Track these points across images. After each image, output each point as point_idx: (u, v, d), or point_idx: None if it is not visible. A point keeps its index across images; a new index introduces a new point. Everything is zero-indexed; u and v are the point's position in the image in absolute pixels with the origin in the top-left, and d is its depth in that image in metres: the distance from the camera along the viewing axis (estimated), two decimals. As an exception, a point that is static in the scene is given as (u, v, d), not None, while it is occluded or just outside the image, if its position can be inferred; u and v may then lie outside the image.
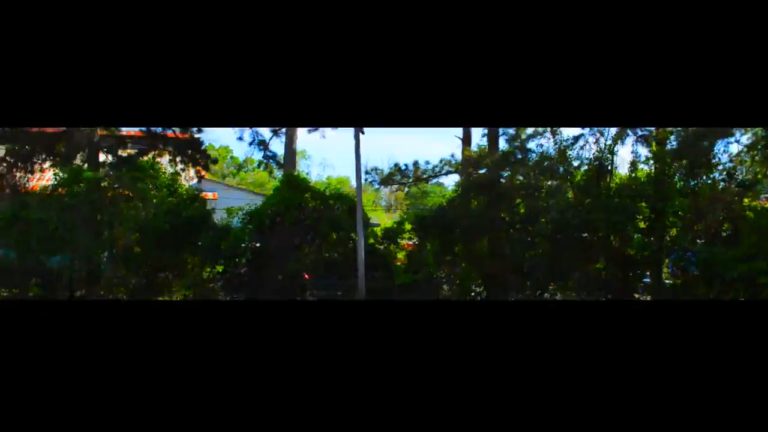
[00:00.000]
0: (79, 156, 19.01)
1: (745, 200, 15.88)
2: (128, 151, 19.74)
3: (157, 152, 19.82)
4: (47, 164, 20.02)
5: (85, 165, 18.68)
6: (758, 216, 15.32)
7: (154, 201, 17.45)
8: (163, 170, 18.77)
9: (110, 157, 19.22)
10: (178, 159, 20.10)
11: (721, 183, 16.31)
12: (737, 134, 16.05)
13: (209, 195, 16.96)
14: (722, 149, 16.38)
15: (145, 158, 19.31)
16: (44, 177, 20.28)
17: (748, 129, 15.76)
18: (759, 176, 16.30)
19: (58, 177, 17.85)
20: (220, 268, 17.49)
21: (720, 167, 16.44)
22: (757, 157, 16.19)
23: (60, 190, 17.43)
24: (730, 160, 16.45)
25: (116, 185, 17.74)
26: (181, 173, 19.80)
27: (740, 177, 16.33)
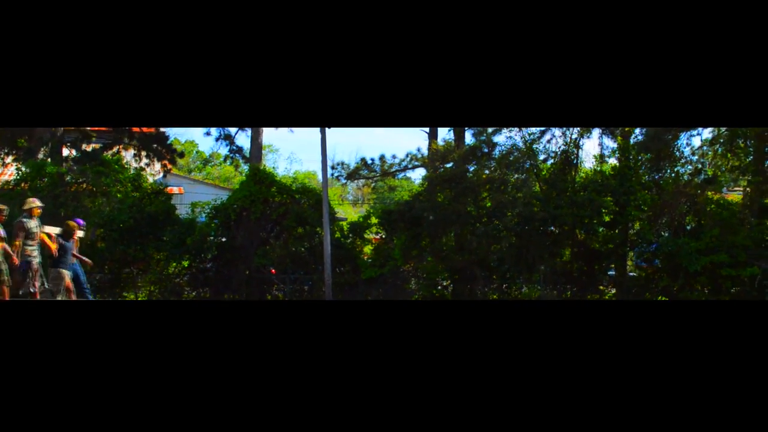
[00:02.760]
0: (42, 150, 18.76)
1: (708, 193, 16.05)
2: (92, 145, 19.50)
3: (121, 147, 19.60)
4: (9, 159, 19.76)
5: (49, 159, 18.44)
6: (720, 209, 15.50)
7: (119, 196, 17.30)
8: (128, 165, 18.59)
9: (74, 152, 18.97)
10: (143, 154, 19.91)
11: (685, 176, 16.48)
12: (699, 128, 16.17)
13: (174, 190, 16.84)
14: (685, 142, 16.56)
15: (110, 153, 19.09)
16: (6, 172, 20.02)
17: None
18: (721, 169, 16.46)
19: (20, 172, 17.64)
20: (185, 263, 17.38)
21: (683, 161, 16.62)
22: (719, 151, 16.34)
23: (23, 185, 17.22)
24: (693, 154, 16.62)
25: (80, 180, 17.57)
26: (146, 168, 19.61)
27: (703, 170, 16.49)
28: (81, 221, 13.84)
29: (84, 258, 13.23)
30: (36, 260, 12.12)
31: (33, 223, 12.12)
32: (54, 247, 12.05)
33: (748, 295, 14.43)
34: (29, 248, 11.97)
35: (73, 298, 12.37)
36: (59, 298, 11.97)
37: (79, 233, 12.96)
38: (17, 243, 11.71)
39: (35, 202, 12.20)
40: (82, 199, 17.20)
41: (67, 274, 12.19)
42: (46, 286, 12.45)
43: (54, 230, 12.25)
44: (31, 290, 12.03)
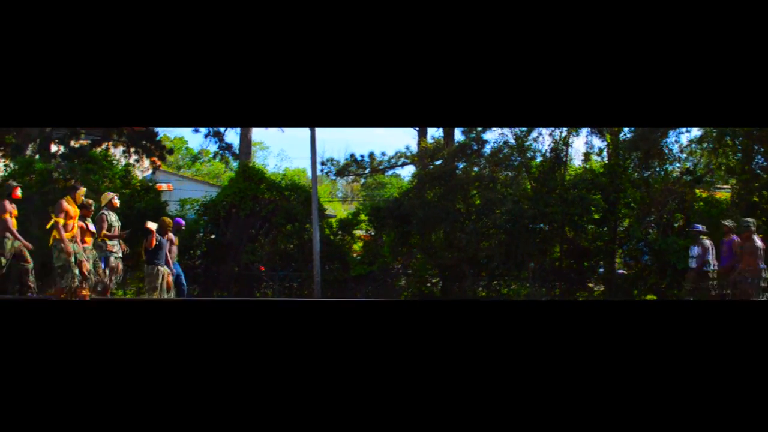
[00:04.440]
0: (30, 147, 18.69)
1: (697, 191, 16.11)
2: (81, 142, 19.44)
3: (110, 143, 19.54)
4: (-3, 155, 19.74)
5: (37, 156, 18.37)
6: (709, 207, 15.55)
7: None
8: (116, 161, 18.54)
9: (63, 148, 18.91)
10: (132, 150, 19.86)
11: (674, 174, 16.54)
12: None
13: (164, 186, 16.79)
14: (674, 141, 16.60)
15: (99, 149, 19.03)
16: (-6, 168, 19.97)
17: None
18: (709, 168, 16.52)
19: (8, 168, 17.57)
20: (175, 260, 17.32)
21: (672, 159, 16.68)
22: (707, 149, 16.40)
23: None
24: (681, 152, 16.68)
25: (69, 177, 17.47)
26: (135, 164, 19.56)
27: (692, 168, 16.55)
28: (181, 221, 13.85)
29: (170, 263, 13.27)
30: (115, 256, 12.10)
31: (113, 217, 12.14)
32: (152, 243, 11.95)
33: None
34: (110, 243, 11.96)
35: (172, 296, 12.36)
36: (156, 296, 11.89)
37: (170, 235, 13.00)
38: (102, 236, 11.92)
39: (111, 195, 12.22)
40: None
41: (163, 271, 12.08)
42: (119, 279, 12.40)
43: (152, 225, 12.22)
44: (107, 285, 12.01)
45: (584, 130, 17.15)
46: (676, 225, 15.86)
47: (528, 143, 17.22)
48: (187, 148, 48.81)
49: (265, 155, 54.45)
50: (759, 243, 11.78)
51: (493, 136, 17.33)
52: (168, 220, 12.55)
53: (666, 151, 16.59)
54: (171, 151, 22.67)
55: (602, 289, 16.58)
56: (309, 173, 18.82)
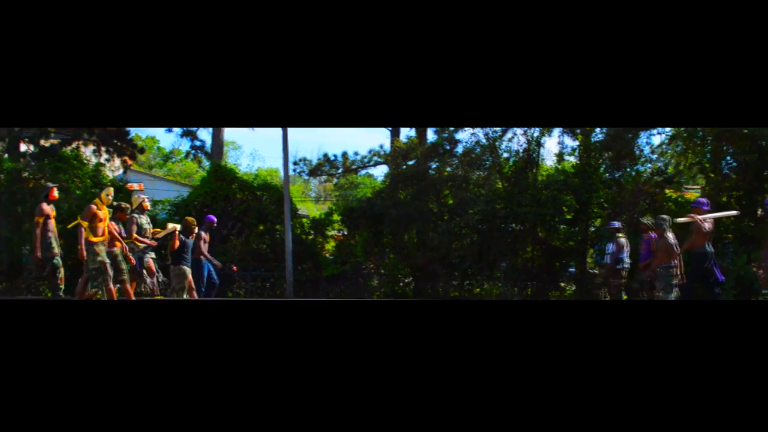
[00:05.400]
0: (-1, 146, 18.50)
1: (667, 191, 16.23)
2: (51, 141, 19.23)
3: (81, 142, 19.35)
4: (-35, 155, 19.46)
5: (6, 155, 18.15)
6: (679, 207, 15.65)
7: (78, 192, 17.06)
8: (87, 160, 18.36)
9: (32, 147, 18.70)
10: (103, 149, 19.67)
11: (645, 174, 16.65)
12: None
13: (135, 186, 16.57)
14: (645, 141, 16.74)
15: (69, 148, 18.84)
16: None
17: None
18: (680, 168, 16.65)
19: (-23, 168, 17.38)
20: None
21: (643, 159, 16.81)
22: (677, 150, 16.54)
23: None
24: (652, 152, 16.81)
25: (38, 176, 17.31)
26: (106, 164, 19.39)
27: (663, 169, 16.68)
28: (213, 217, 13.76)
29: (213, 260, 13.42)
30: (148, 256, 12.03)
31: (144, 219, 12.09)
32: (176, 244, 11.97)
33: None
34: (141, 244, 11.91)
35: (194, 296, 12.30)
36: (185, 297, 11.89)
37: (199, 232, 13.09)
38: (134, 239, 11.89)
39: (141, 198, 12.18)
40: (40, 196, 16.91)
41: (189, 271, 12.02)
42: (160, 279, 12.32)
43: (176, 226, 12.17)
44: (150, 286, 11.94)
45: (556, 131, 17.24)
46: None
47: (500, 143, 17.28)
48: (158, 147, 48.53)
49: (237, 155, 54.34)
50: (673, 241, 11.86)
51: (465, 136, 17.39)
52: (191, 219, 12.51)
53: (637, 152, 16.71)
54: (142, 150, 22.49)
55: (574, 288, 16.65)
56: (281, 173, 18.74)
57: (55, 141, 19.12)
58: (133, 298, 11.40)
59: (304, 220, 18.80)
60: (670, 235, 11.94)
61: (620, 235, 13.34)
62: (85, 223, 10.65)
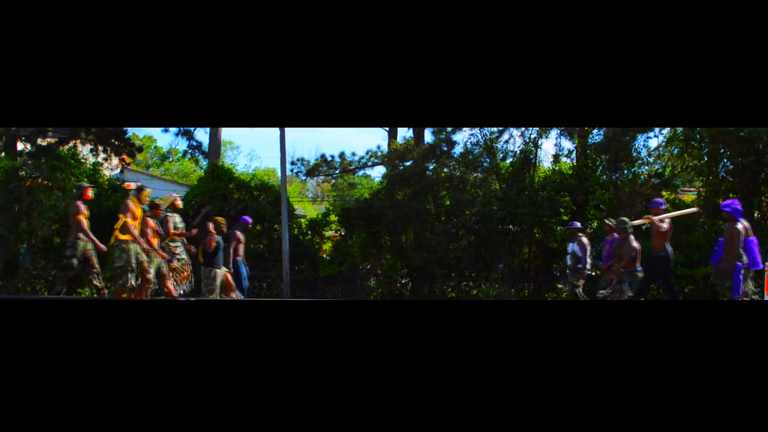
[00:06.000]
0: (-5, 144, 18.50)
1: (664, 193, 16.25)
2: (48, 140, 19.23)
3: (78, 141, 19.35)
4: (-37, 153, 19.46)
5: (3, 154, 18.15)
6: (677, 209, 15.68)
7: (74, 191, 17.02)
8: (85, 159, 18.36)
9: (29, 146, 18.69)
10: (100, 148, 19.66)
11: (642, 177, 16.69)
12: (656, 129, 16.42)
13: (132, 185, 16.57)
14: (642, 143, 16.77)
15: (66, 147, 18.84)
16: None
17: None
18: (676, 171, 16.69)
19: (-25, 167, 17.37)
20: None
21: (640, 162, 16.84)
22: (674, 152, 16.58)
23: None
24: (649, 155, 16.85)
25: (35, 175, 17.32)
26: (104, 163, 19.39)
27: (660, 171, 16.72)
28: (248, 219, 13.75)
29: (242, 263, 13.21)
30: (177, 258, 11.98)
31: (178, 218, 12.04)
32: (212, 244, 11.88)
33: (702, 294, 14.63)
34: (173, 244, 11.86)
35: (233, 297, 12.34)
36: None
37: (234, 232, 13.07)
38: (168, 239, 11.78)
39: (174, 197, 12.16)
40: (38, 194, 16.95)
41: (220, 273, 11.95)
42: (185, 283, 12.25)
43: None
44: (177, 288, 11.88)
45: (554, 133, 17.27)
46: (644, 228, 15.98)
47: (497, 144, 17.31)
48: (156, 147, 48.51)
49: (234, 155, 54.29)
50: (634, 244, 11.89)
51: (462, 137, 17.42)
52: (221, 219, 12.46)
53: (634, 154, 16.74)
54: (141, 149, 22.49)
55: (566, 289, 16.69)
56: (279, 173, 18.74)
57: (52, 140, 19.11)
58: (174, 295, 11.40)
59: (302, 220, 18.80)
60: (632, 238, 11.99)
61: (582, 235, 13.38)
62: (129, 220, 10.63)
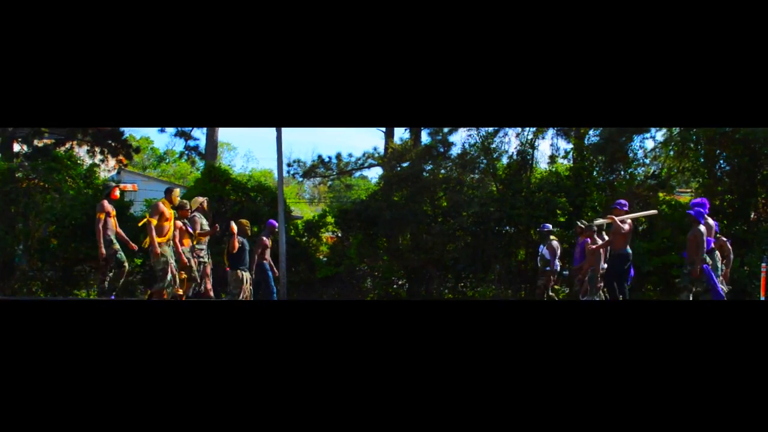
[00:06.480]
0: (-8, 146, 18.49)
1: (660, 195, 16.29)
2: (44, 141, 19.22)
3: (74, 143, 19.34)
4: (-41, 155, 19.43)
5: (-1, 155, 18.17)
6: (672, 210, 15.72)
7: (71, 192, 17.04)
8: (81, 161, 18.35)
9: (25, 148, 18.68)
10: (97, 150, 19.65)
11: (638, 178, 16.73)
12: (652, 130, 16.46)
13: (128, 186, 16.59)
14: (639, 144, 16.82)
15: (62, 149, 18.82)
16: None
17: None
18: (672, 172, 16.72)
19: (-29, 169, 17.34)
20: (138, 261, 17.13)
21: (636, 162, 16.88)
22: (671, 153, 16.62)
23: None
24: (645, 156, 16.88)
25: (31, 176, 17.29)
26: (100, 164, 19.37)
27: (656, 172, 16.75)
28: (275, 222, 13.73)
29: (273, 268, 13.30)
30: (201, 260, 11.95)
31: (204, 220, 12.03)
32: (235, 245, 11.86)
33: (699, 295, 14.62)
34: (197, 247, 11.84)
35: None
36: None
37: (261, 237, 13.12)
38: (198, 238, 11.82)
39: (201, 199, 12.17)
40: (34, 196, 16.91)
41: (246, 277, 11.95)
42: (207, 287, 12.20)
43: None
44: (202, 289, 11.85)
45: (550, 133, 17.29)
46: (640, 228, 16.01)
47: (494, 145, 17.33)
48: (152, 148, 48.46)
49: (231, 156, 54.29)
50: (599, 243, 11.98)
51: (459, 137, 17.47)
52: (245, 222, 12.45)
53: (631, 155, 16.77)
54: (138, 150, 22.46)
55: (567, 291, 16.69)
56: (275, 174, 18.73)
57: (48, 141, 19.10)
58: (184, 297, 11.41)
59: (298, 221, 18.80)
60: (599, 239, 12.07)
61: (553, 238, 13.43)
62: (154, 221, 10.60)
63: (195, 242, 11.68)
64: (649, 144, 29.67)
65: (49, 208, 16.84)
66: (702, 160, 16.18)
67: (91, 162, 19.00)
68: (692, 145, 16.16)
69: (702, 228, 10.64)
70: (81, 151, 19.53)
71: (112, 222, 11.70)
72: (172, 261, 10.64)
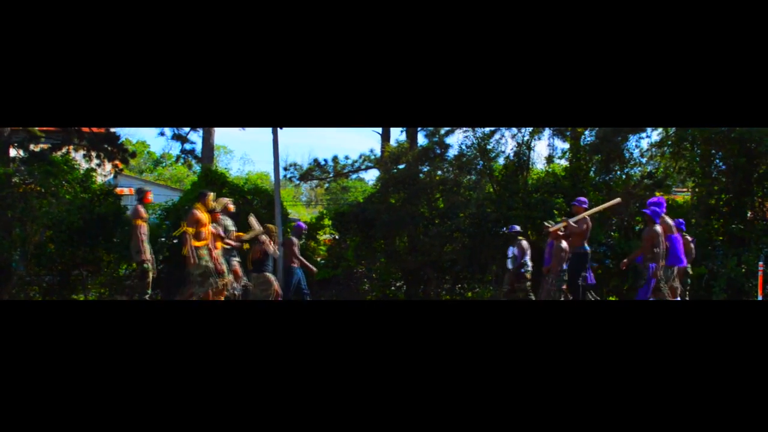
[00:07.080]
0: (-12, 151, 18.42)
1: (657, 194, 16.27)
2: (41, 146, 19.16)
3: (71, 147, 19.28)
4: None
5: (-5, 160, 18.11)
6: (670, 210, 15.71)
7: (68, 197, 16.99)
8: (78, 165, 18.30)
9: (22, 152, 18.63)
10: (93, 154, 19.61)
11: (635, 178, 16.73)
12: (648, 130, 16.47)
13: (125, 191, 16.60)
14: (635, 144, 16.82)
15: (59, 153, 18.77)
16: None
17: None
18: (668, 171, 16.73)
19: (-35, 173, 17.28)
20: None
21: (632, 162, 16.88)
22: (666, 153, 16.62)
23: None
24: (642, 156, 16.89)
25: (28, 181, 17.24)
26: (97, 168, 19.32)
27: (652, 172, 16.75)
28: (303, 225, 13.70)
29: (308, 264, 13.44)
30: (235, 260, 12.04)
31: (229, 222, 12.00)
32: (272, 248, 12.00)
33: (696, 294, 14.65)
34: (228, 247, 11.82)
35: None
36: None
37: (291, 239, 13.26)
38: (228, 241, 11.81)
39: (226, 200, 12.15)
40: (31, 200, 16.84)
41: (273, 279, 11.99)
42: (239, 285, 12.14)
43: (261, 229, 12.30)
44: (235, 290, 11.80)
45: (546, 134, 17.28)
46: (637, 228, 16.02)
47: (491, 146, 17.32)
48: (149, 152, 48.41)
49: (228, 159, 54.27)
50: (564, 245, 12.00)
51: (456, 139, 17.49)
52: (273, 227, 12.46)
53: (627, 155, 16.78)
54: (133, 155, 22.41)
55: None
56: (272, 177, 18.72)
57: (45, 146, 19.04)
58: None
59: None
60: (563, 241, 12.10)
61: (521, 238, 13.47)
62: (191, 230, 10.58)
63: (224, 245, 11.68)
64: (645, 144, 29.72)
65: (45, 213, 16.76)
66: (698, 159, 16.18)
67: (87, 166, 18.91)
68: (688, 145, 16.17)
69: (657, 228, 10.75)
70: (77, 156, 19.45)
71: (145, 227, 11.67)
72: (210, 264, 10.63)
